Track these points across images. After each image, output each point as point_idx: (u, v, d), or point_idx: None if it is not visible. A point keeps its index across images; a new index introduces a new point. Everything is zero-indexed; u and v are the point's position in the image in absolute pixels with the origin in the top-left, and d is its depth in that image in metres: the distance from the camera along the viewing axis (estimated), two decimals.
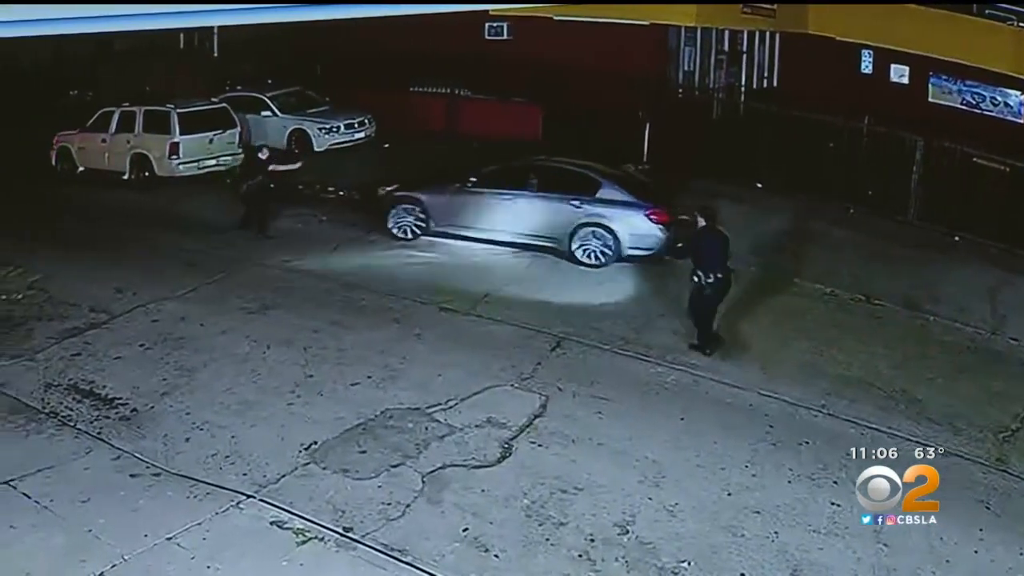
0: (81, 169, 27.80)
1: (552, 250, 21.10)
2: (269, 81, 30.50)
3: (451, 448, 13.98)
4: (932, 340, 18.15)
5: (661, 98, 27.93)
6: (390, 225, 22.29)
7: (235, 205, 23.10)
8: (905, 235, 22.55)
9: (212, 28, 32.45)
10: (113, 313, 18.20)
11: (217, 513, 12.47)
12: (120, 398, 15.28)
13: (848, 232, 22.50)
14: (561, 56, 27.85)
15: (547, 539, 12.18)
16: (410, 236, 22.13)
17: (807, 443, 14.33)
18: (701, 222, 16.89)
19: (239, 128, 27.34)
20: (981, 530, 12.57)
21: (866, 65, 26.50)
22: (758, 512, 12.75)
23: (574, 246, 20.86)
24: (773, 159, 24.92)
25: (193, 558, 11.62)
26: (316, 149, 28.57)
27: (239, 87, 30.46)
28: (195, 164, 26.37)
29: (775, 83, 29.62)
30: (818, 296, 19.69)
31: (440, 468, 13.49)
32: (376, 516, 12.47)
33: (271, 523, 12.34)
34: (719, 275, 16.57)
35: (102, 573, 11.32)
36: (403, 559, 11.73)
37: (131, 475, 13.32)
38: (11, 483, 12.92)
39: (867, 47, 26.25)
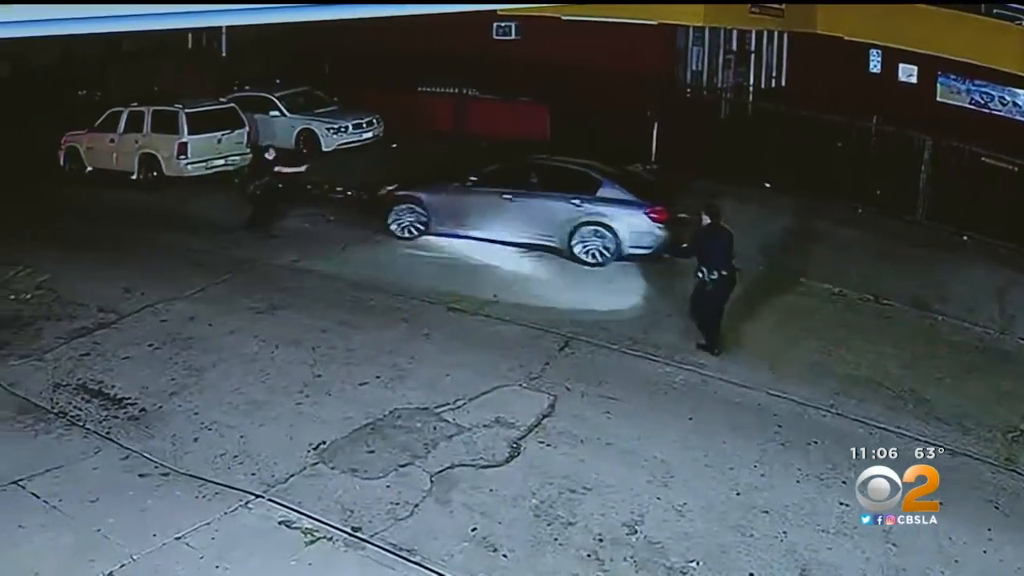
0: (89, 169, 27.84)
1: (552, 249, 21.12)
2: (277, 81, 30.52)
3: (460, 448, 13.98)
4: (941, 340, 18.12)
5: (669, 98, 27.88)
6: (390, 224, 22.30)
7: (243, 205, 23.13)
8: (913, 235, 22.50)
9: (220, 28, 32.45)
10: (121, 313, 18.23)
11: (226, 513, 12.48)
12: (129, 398, 15.30)
13: (856, 232, 22.45)
14: (569, 56, 27.84)
15: (556, 539, 12.18)
16: (410, 236, 22.14)
17: (816, 443, 14.32)
18: (706, 219, 16.88)
19: (247, 128, 27.38)
20: (990, 530, 12.55)
21: (874, 65, 26.47)
22: (767, 512, 12.74)
23: (574, 245, 20.88)
24: (781, 159, 24.87)
25: (202, 558, 11.63)
26: (324, 149, 28.61)
27: (247, 87, 30.45)
28: (203, 164, 26.40)
29: (783, 83, 29.59)
30: (826, 296, 19.67)
31: (449, 468, 13.49)
32: (385, 516, 12.47)
33: (280, 523, 12.34)
34: (723, 272, 16.56)
35: (111, 573, 11.33)
36: (412, 559, 11.73)
37: (140, 475, 13.33)
38: (20, 483, 12.93)
39: (875, 47, 26.22)
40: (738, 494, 13.12)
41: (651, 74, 27.64)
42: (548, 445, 14.10)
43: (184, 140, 26.20)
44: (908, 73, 25.89)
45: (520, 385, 15.74)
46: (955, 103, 25.04)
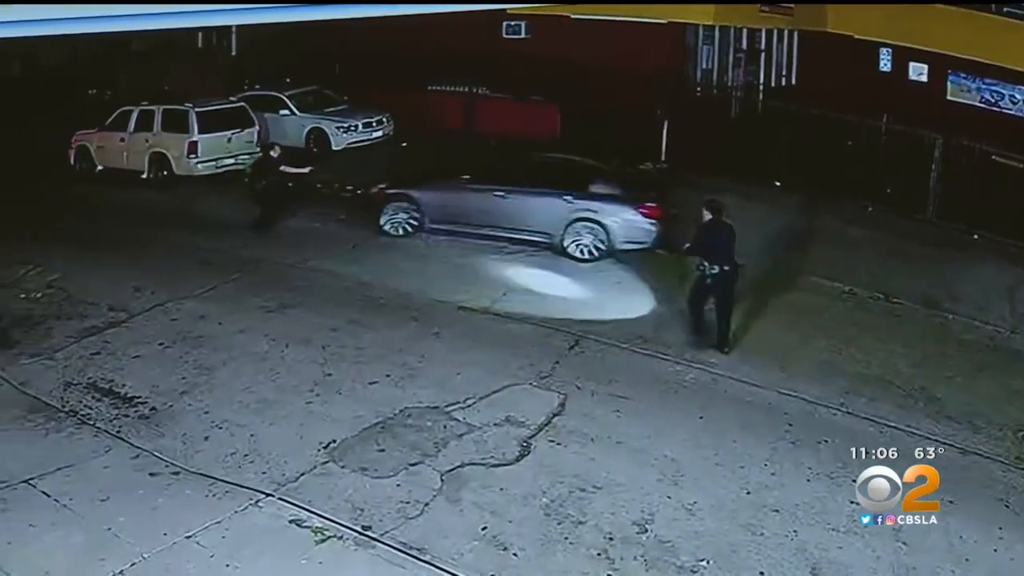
0: (100, 168, 27.91)
1: (545, 245, 21.16)
2: (287, 80, 30.51)
3: (470, 447, 13.97)
4: (951, 338, 18.08)
5: (679, 96, 27.84)
6: (383, 223, 22.32)
7: (254, 204, 23.14)
8: (924, 233, 22.48)
9: (230, 27, 32.51)
10: (132, 312, 18.26)
11: (236, 511, 12.49)
12: (139, 397, 15.32)
13: (866, 230, 22.43)
14: (579, 55, 27.83)
15: (566, 538, 12.17)
16: (402, 233, 22.15)
17: (826, 441, 14.28)
18: (707, 215, 16.86)
19: (257, 127, 27.41)
20: (1000, 528, 12.51)
21: (885, 63, 26.47)
22: (777, 511, 12.72)
23: (567, 241, 20.92)
24: (791, 157, 24.84)
25: (212, 556, 11.64)
26: (334, 148, 28.63)
27: (257, 86, 30.44)
28: (213, 163, 26.46)
29: (793, 81, 29.60)
30: (836, 294, 19.63)
31: (459, 467, 13.49)
32: (395, 515, 12.47)
33: (290, 521, 12.35)
34: (725, 267, 16.57)
35: (121, 571, 11.35)
36: (422, 558, 11.73)
37: (150, 474, 13.35)
38: (31, 481, 12.95)
39: (886, 45, 26.24)
40: (748, 493, 13.10)
41: (661, 73, 27.56)
42: (558, 444, 14.10)
43: (194, 139, 26.27)
44: (918, 72, 25.89)
45: (530, 384, 15.73)
46: (965, 101, 25.04)
